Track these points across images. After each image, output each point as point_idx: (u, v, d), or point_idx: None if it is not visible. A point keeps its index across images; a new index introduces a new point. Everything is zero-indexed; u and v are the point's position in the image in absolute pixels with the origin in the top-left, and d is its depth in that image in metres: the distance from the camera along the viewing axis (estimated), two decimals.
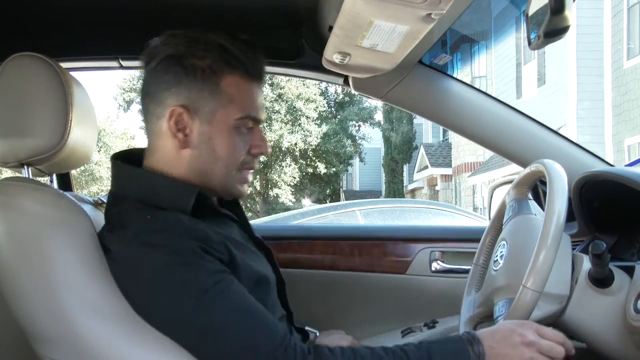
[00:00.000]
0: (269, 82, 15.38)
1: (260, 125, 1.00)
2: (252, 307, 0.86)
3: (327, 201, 17.88)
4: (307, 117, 16.47)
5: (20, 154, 1.01)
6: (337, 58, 1.29)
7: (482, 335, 0.89)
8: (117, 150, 1.05)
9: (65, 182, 1.72)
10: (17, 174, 1.05)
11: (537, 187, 1.48)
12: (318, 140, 16.68)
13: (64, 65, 1.09)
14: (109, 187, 1.00)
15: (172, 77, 0.92)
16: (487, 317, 1.15)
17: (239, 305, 0.85)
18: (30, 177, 1.05)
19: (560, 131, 1.57)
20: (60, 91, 1.02)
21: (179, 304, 0.84)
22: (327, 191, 19.17)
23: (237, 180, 0.98)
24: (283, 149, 16.48)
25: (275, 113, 16.06)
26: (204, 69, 0.92)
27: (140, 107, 0.99)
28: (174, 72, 0.92)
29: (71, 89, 1.03)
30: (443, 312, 1.66)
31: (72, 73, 1.11)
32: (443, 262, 1.74)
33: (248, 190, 1.03)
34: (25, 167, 1.04)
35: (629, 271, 1.04)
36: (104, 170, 16.72)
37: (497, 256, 1.16)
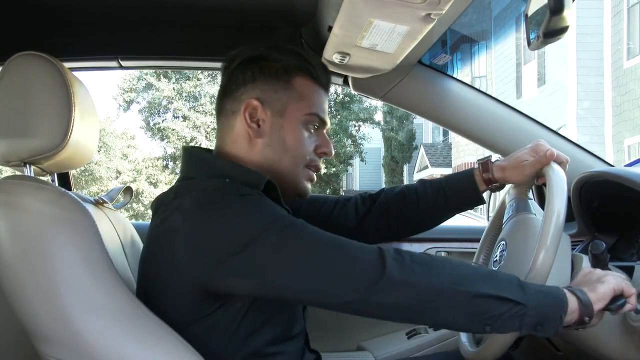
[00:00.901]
0: None
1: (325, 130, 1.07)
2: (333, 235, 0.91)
3: None
4: None
5: (23, 153, 1.01)
6: (336, 58, 1.29)
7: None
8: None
9: (64, 182, 1.72)
10: (18, 173, 1.05)
11: (541, 187, 1.48)
12: None
13: (64, 65, 1.09)
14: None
15: (248, 75, 1.01)
16: None
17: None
18: (32, 176, 1.05)
19: (560, 131, 1.57)
20: (63, 90, 1.02)
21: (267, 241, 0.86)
22: (328, 191, 19.17)
23: (304, 176, 1.04)
24: None
25: None
26: (278, 68, 1.01)
27: (216, 106, 1.07)
28: (251, 71, 1.01)
29: (74, 88, 1.03)
30: None
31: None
32: None
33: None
34: (27, 166, 1.04)
35: (629, 271, 1.04)
36: (103, 170, 16.70)
37: (496, 256, 1.16)
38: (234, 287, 0.88)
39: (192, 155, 1.04)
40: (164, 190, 1.01)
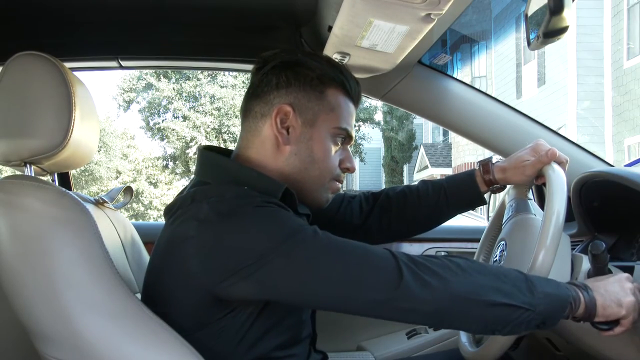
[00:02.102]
0: None
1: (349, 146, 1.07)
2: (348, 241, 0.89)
3: None
4: None
5: (23, 153, 1.01)
6: (336, 58, 1.29)
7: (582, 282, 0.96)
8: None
9: (64, 182, 1.72)
10: (18, 173, 1.05)
11: (540, 187, 1.49)
12: None
13: (64, 65, 1.09)
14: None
15: (283, 80, 0.99)
16: None
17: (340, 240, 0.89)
18: (33, 175, 1.05)
19: (560, 131, 1.57)
20: (64, 90, 1.02)
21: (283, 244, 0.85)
22: None
23: (330, 188, 1.04)
24: None
25: None
26: (313, 77, 1.00)
27: (242, 107, 1.05)
28: (286, 76, 0.99)
29: (74, 88, 1.03)
30: None
31: None
32: None
33: None
34: (28, 165, 1.04)
35: (629, 271, 1.03)
36: (103, 170, 16.69)
37: (496, 256, 1.16)
38: (247, 295, 0.87)
39: (208, 159, 1.02)
40: (178, 194, 1.00)
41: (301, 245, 0.85)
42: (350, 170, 1.05)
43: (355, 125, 1.10)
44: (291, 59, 1.01)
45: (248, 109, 1.02)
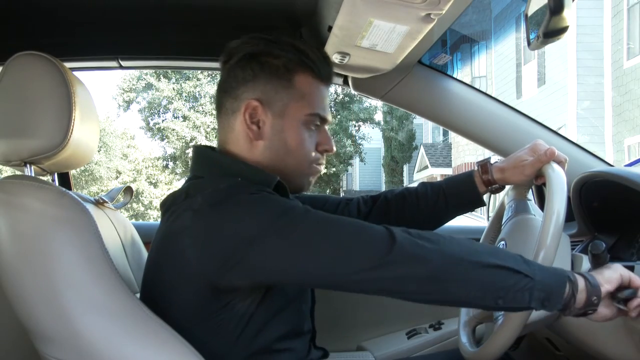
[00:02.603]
0: None
1: (327, 126, 1.06)
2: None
3: None
4: None
5: (23, 153, 1.01)
6: (336, 58, 1.29)
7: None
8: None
9: (64, 182, 1.72)
10: (18, 173, 1.05)
11: (540, 187, 1.49)
12: None
13: (64, 65, 1.09)
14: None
15: (249, 73, 0.98)
16: (486, 318, 1.15)
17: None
18: (33, 175, 1.05)
19: (560, 131, 1.57)
20: (64, 90, 1.02)
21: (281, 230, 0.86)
22: (327, 191, 19.15)
23: (310, 172, 1.04)
24: None
25: None
26: (279, 66, 0.98)
27: (215, 102, 1.05)
28: (251, 69, 0.98)
29: (74, 88, 1.03)
30: (448, 314, 1.66)
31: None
32: None
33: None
34: (28, 165, 1.04)
35: None
36: (103, 170, 16.71)
37: None
38: (246, 279, 0.88)
39: (201, 155, 1.03)
40: (174, 190, 1.01)
41: (294, 222, 0.86)
42: (329, 151, 1.05)
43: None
44: (255, 49, 0.99)
45: (220, 105, 1.03)
